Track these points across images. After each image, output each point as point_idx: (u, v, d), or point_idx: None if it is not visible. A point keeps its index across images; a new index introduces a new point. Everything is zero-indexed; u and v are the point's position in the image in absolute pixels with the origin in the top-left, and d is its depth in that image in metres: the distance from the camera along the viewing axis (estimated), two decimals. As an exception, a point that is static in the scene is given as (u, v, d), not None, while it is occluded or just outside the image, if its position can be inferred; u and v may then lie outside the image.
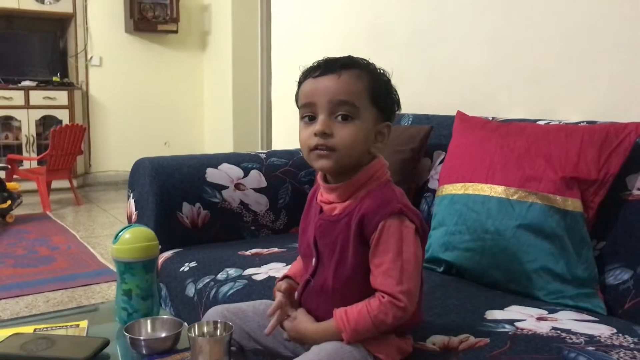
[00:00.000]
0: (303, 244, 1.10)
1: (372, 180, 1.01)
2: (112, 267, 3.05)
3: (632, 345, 1.03)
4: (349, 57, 1.03)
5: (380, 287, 0.95)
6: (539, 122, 1.54)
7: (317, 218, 1.05)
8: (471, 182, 1.43)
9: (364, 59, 1.04)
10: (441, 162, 1.73)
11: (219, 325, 1.00)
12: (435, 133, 1.79)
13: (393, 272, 0.94)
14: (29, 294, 2.66)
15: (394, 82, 1.05)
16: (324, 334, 0.99)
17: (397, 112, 1.07)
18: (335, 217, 1.02)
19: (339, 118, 0.98)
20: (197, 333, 0.98)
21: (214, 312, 1.12)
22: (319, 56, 1.06)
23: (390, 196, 0.98)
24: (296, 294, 1.10)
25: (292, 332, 1.04)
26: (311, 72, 1.02)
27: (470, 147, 1.51)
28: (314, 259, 1.05)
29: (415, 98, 2.15)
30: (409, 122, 1.97)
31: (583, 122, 1.48)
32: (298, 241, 1.13)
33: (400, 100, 1.06)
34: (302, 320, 1.03)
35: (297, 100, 1.05)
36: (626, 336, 1.08)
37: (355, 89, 0.98)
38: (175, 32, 5.80)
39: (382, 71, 1.04)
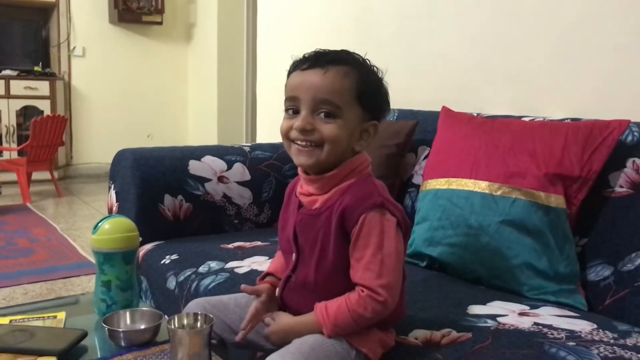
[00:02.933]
0: (283, 240, 1.09)
1: (353, 173, 1.00)
2: (93, 259, 3.01)
3: (612, 341, 1.04)
4: (340, 52, 1.01)
5: (359, 281, 0.94)
6: (523, 119, 1.54)
7: (297, 213, 1.04)
8: (455, 178, 1.43)
9: (358, 55, 1.02)
10: (426, 157, 1.72)
11: (199, 317, 0.99)
12: (420, 128, 1.79)
13: (373, 266, 0.93)
14: (7, 286, 2.62)
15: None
16: (304, 328, 0.98)
17: (388, 111, 1.05)
18: (316, 211, 1.01)
19: (322, 115, 0.97)
20: (177, 325, 0.97)
21: (195, 305, 1.10)
22: (305, 50, 1.04)
23: (372, 189, 0.98)
24: (277, 290, 1.09)
25: (274, 336, 1.02)
26: (299, 65, 1.00)
27: (455, 143, 1.51)
28: (294, 255, 1.04)
29: (401, 93, 2.14)
30: (394, 117, 1.96)
31: (567, 119, 1.49)
32: (278, 237, 1.12)
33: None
34: (281, 321, 1.02)
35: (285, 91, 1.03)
36: (606, 332, 1.08)
37: (340, 87, 0.96)
38: (160, 23, 5.74)
39: (374, 69, 1.02)
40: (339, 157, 0.99)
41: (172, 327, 0.95)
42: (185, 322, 0.98)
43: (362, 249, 0.94)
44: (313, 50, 1.02)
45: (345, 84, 0.97)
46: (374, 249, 0.93)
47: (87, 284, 2.71)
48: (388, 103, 1.04)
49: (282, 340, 1.00)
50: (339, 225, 0.96)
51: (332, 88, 0.96)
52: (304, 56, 1.01)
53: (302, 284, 1.03)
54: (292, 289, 1.05)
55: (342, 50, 1.02)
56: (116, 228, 1.16)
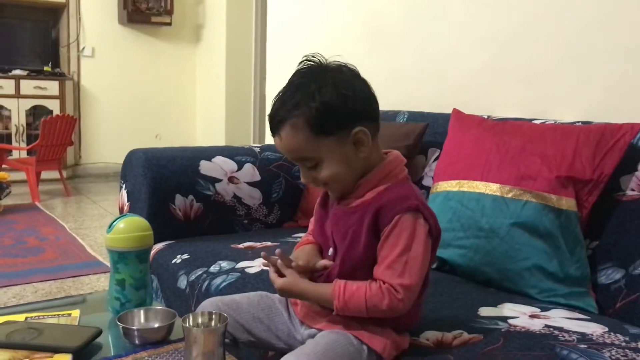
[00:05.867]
0: (316, 232, 1.12)
1: (389, 177, 1.02)
2: (102, 258, 3.03)
3: (623, 344, 1.04)
4: (284, 104, 0.98)
5: (380, 276, 0.96)
6: (534, 122, 1.54)
7: (335, 208, 1.06)
8: (466, 180, 1.44)
9: (305, 70, 1.01)
10: (436, 159, 1.73)
11: (213, 316, 1.00)
12: (430, 130, 1.79)
13: (396, 265, 0.95)
14: (17, 284, 2.64)
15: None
16: (315, 295, 1.01)
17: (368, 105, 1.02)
18: (351, 208, 1.02)
19: (308, 165, 1.00)
20: (191, 324, 0.98)
21: (208, 304, 1.12)
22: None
23: (409, 193, 0.99)
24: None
25: (284, 291, 1.03)
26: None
27: (466, 145, 1.51)
28: (331, 249, 1.06)
29: (411, 95, 2.15)
30: (404, 120, 1.97)
31: (578, 122, 1.49)
32: (313, 228, 1.15)
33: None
34: (297, 280, 1.02)
35: None
36: (618, 335, 1.08)
37: (298, 143, 0.98)
38: (169, 24, 5.77)
39: (327, 88, 0.96)
40: (356, 177, 1.01)
41: (187, 325, 0.96)
42: (199, 320, 0.99)
43: (390, 248, 0.96)
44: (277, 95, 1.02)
45: (299, 137, 0.97)
46: (401, 249, 0.95)
47: (96, 283, 2.72)
48: (358, 99, 0.99)
49: (289, 296, 1.05)
50: (372, 223, 0.98)
51: (294, 148, 0.99)
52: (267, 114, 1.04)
53: (326, 276, 1.04)
54: (317, 279, 1.06)
55: (291, 81, 1.00)
56: (131, 227, 1.17)
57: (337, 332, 0.99)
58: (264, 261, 1.05)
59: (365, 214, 0.99)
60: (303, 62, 1.03)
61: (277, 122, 0.99)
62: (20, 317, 1.14)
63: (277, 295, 1.14)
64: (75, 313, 1.16)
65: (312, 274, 1.05)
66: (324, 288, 1.00)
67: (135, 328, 1.06)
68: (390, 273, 0.95)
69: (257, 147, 2.03)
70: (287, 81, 1.02)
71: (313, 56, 1.02)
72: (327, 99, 0.96)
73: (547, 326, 1.11)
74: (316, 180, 1.02)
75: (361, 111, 0.99)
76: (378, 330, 0.99)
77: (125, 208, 1.86)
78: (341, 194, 1.04)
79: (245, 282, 1.38)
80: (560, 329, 1.09)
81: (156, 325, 1.08)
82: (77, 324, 1.13)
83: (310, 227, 1.17)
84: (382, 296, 0.94)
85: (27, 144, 5.03)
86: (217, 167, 1.86)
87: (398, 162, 1.04)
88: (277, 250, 1.04)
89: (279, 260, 1.03)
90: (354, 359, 0.96)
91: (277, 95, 1.02)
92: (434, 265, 1.49)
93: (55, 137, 4.45)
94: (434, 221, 1.00)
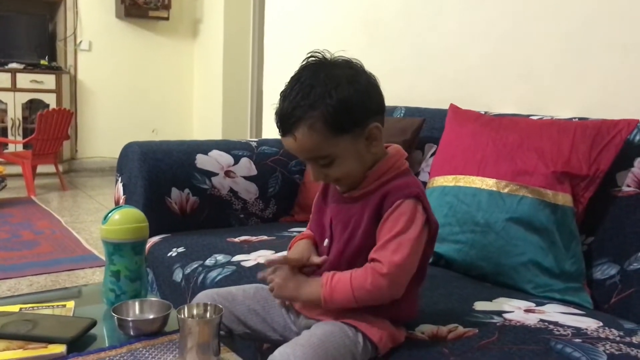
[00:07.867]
0: (313, 224, 1.12)
1: (391, 170, 1.02)
2: (97, 252, 3.02)
3: (617, 338, 1.04)
4: (298, 104, 0.95)
5: (372, 255, 0.97)
6: (531, 117, 1.54)
7: (336, 199, 1.07)
8: (463, 175, 1.44)
9: (319, 76, 0.96)
10: (432, 154, 1.73)
11: (208, 307, 1.00)
12: (427, 126, 1.79)
13: (389, 245, 0.96)
14: (12, 278, 2.63)
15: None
16: (306, 287, 1.01)
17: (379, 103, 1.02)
18: (354, 198, 1.03)
19: (321, 164, 1.00)
20: (186, 315, 0.97)
21: (204, 296, 1.11)
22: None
23: (412, 182, 1.01)
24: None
25: (276, 285, 1.03)
26: (277, 126, 1.01)
27: (462, 140, 1.51)
28: (326, 240, 1.06)
29: (408, 91, 2.15)
30: (401, 115, 1.97)
31: (575, 118, 1.49)
32: (311, 221, 1.15)
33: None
34: (289, 274, 1.03)
35: None
36: (612, 329, 1.09)
37: (314, 142, 0.96)
38: (167, 18, 5.76)
39: (343, 86, 0.95)
40: (365, 172, 1.02)
41: (182, 316, 0.95)
42: (194, 312, 0.99)
43: (387, 231, 0.96)
44: (281, 92, 0.99)
45: (316, 137, 0.96)
46: (397, 231, 0.95)
47: (91, 277, 2.72)
48: (372, 95, 0.99)
49: (281, 290, 1.03)
50: (375, 210, 0.98)
51: (310, 147, 0.97)
52: (275, 112, 1.00)
53: (325, 267, 1.04)
54: (313, 273, 1.06)
55: (301, 96, 0.95)
56: (126, 218, 1.16)
57: (334, 323, 0.99)
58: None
59: (369, 202, 1.00)
60: (308, 58, 1.00)
61: (292, 122, 0.96)
62: (15, 308, 1.13)
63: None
64: (70, 304, 1.16)
65: (306, 267, 1.05)
66: (314, 280, 1.01)
67: (130, 319, 1.05)
68: (383, 252, 0.96)
69: (254, 141, 2.02)
70: (292, 78, 0.99)
71: (318, 52, 1.01)
72: (344, 96, 0.95)
73: (542, 320, 1.11)
74: (328, 177, 1.02)
75: (374, 107, 1.00)
76: (375, 320, 0.99)
77: (121, 201, 1.85)
78: (350, 188, 1.04)
79: (241, 276, 1.38)
80: (555, 324, 1.09)
81: (151, 316, 1.07)
82: (71, 315, 1.12)
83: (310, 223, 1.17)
84: (366, 275, 0.95)
85: (23, 138, 5.02)
86: (214, 160, 1.86)
87: (400, 155, 1.05)
88: (265, 260, 1.06)
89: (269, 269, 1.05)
90: (349, 351, 0.96)
91: (285, 94, 0.98)
92: (430, 260, 1.49)
93: (51, 131, 4.44)
94: (432, 214, 1.01)
